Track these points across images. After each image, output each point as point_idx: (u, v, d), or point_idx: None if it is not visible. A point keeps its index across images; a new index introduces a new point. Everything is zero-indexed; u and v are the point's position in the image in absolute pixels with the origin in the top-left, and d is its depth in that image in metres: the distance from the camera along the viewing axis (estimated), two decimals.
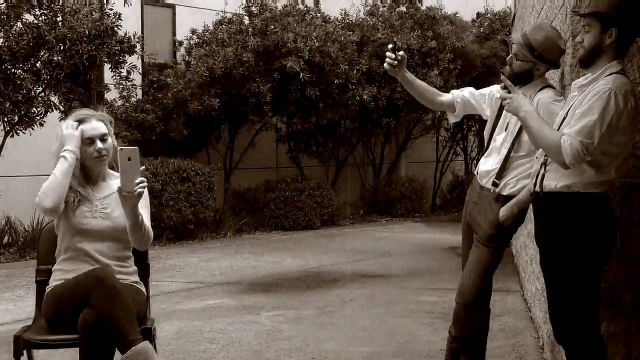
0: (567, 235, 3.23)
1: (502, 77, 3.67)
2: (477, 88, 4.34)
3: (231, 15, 11.86)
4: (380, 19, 12.85)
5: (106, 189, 3.75)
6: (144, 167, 3.47)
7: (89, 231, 3.61)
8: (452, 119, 4.38)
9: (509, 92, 3.44)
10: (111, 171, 3.84)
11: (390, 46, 3.92)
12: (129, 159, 3.39)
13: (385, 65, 3.96)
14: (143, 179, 3.43)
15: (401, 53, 3.93)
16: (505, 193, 3.88)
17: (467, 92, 4.25)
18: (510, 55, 3.90)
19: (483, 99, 4.19)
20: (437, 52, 12.74)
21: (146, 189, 3.52)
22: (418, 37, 12.40)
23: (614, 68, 3.19)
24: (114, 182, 3.74)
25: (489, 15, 14.65)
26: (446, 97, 4.23)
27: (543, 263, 3.45)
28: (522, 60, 3.82)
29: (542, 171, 3.34)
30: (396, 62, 3.92)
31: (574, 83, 3.39)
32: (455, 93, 4.25)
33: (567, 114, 3.29)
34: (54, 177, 3.54)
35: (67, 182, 3.55)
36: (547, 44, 3.74)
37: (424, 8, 13.32)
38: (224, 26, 11.58)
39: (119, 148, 3.43)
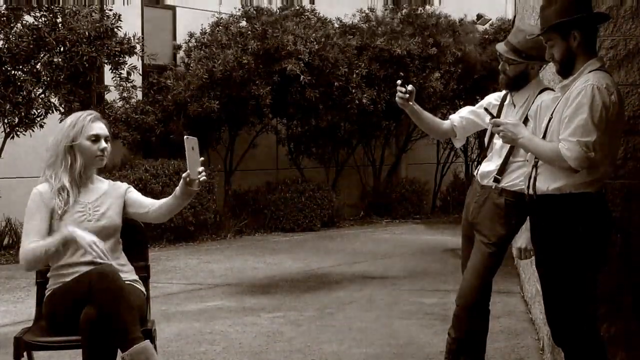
0: (562, 236, 3.24)
1: (485, 110, 3.78)
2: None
3: (227, 17, 11.83)
4: (377, 24, 12.83)
5: (94, 192, 3.76)
6: (202, 158, 3.56)
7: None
8: (457, 144, 4.40)
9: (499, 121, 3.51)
10: (97, 176, 3.85)
11: (399, 81, 3.96)
12: (192, 148, 3.48)
13: (397, 99, 3.99)
14: (203, 167, 3.54)
15: (410, 87, 3.97)
16: (507, 188, 3.88)
17: (465, 111, 4.26)
18: (501, 63, 3.93)
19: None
20: (437, 57, 12.74)
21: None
22: (418, 43, 12.39)
23: (592, 65, 3.24)
24: (101, 185, 3.81)
25: (495, 22, 14.66)
26: (446, 124, 4.25)
27: (539, 265, 3.46)
28: (514, 64, 3.85)
29: (534, 173, 3.36)
30: (407, 95, 3.96)
31: (558, 86, 3.42)
32: (452, 118, 4.26)
33: (552, 114, 3.32)
34: (41, 253, 3.47)
35: (48, 258, 3.54)
36: (530, 42, 3.77)
37: (422, 12, 13.25)
38: (220, 27, 11.57)
39: (185, 136, 3.51)
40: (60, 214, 3.60)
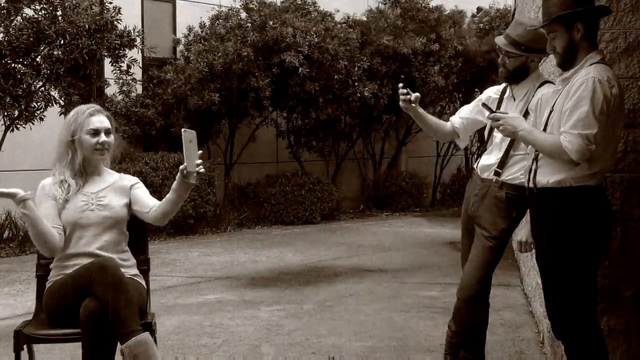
0: (562, 229, 3.24)
1: (483, 105, 3.79)
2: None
3: (227, 9, 11.82)
4: (377, 18, 12.78)
5: (101, 183, 3.81)
6: (200, 151, 3.59)
7: (89, 224, 3.65)
8: (461, 144, 4.41)
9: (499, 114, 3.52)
10: (106, 169, 3.89)
11: (401, 84, 3.96)
12: (190, 141, 3.50)
13: (400, 103, 4.00)
14: (201, 160, 3.55)
15: (416, 94, 3.97)
16: (508, 181, 3.88)
17: (465, 110, 4.25)
18: (501, 56, 3.93)
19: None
20: (439, 51, 12.71)
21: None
22: (422, 41, 12.35)
23: (593, 58, 3.24)
24: (109, 177, 3.85)
25: (492, 11, 14.61)
26: (448, 127, 4.25)
27: (539, 258, 3.46)
28: (513, 57, 3.85)
29: (534, 166, 3.36)
30: (409, 97, 3.96)
31: (558, 78, 3.42)
32: (452, 120, 4.26)
33: (552, 107, 3.32)
34: (30, 233, 3.60)
35: (41, 229, 3.55)
36: (530, 35, 3.78)
37: (423, 6, 13.19)
38: (220, 20, 11.56)
39: (182, 129, 3.53)
40: (62, 203, 3.66)
